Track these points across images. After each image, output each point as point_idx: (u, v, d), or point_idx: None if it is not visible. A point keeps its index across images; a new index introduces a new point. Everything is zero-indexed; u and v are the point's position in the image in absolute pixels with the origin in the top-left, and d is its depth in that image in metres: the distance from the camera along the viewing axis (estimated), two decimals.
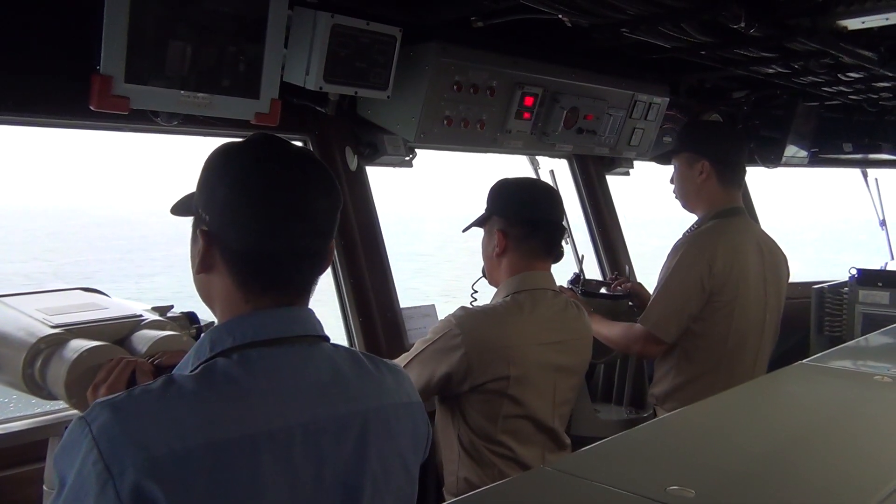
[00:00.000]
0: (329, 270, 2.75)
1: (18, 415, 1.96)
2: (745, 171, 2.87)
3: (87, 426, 1.00)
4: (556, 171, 3.72)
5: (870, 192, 5.15)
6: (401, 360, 2.07)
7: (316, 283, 1.24)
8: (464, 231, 2.32)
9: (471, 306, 2.15)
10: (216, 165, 1.21)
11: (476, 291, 2.43)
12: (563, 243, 2.23)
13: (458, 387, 2.02)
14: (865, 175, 5.14)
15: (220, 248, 1.17)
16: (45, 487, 1.47)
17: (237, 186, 1.16)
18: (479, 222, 2.24)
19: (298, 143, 2.69)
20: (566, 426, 2.25)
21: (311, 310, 1.22)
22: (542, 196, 2.18)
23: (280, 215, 1.15)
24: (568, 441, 2.20)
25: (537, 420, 2.09)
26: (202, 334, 1.25)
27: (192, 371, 1.10)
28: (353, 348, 1.28)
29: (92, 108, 1.85)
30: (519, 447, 2.07)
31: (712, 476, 0.92)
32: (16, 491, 1.83)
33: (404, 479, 1.23)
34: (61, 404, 1.78)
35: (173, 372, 1.13)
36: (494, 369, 2.00)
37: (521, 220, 2.14)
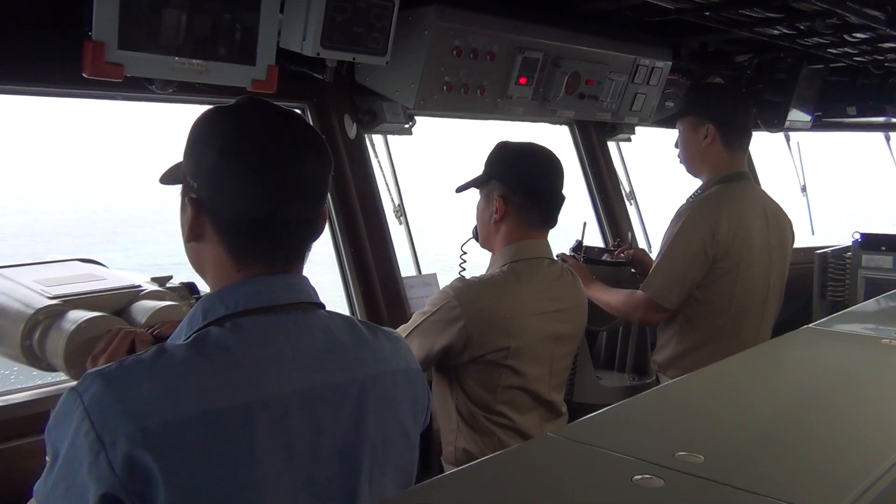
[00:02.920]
0: (329, 240, 2.77)
1: (19, 387, 1.96)
2: (750, 135, 2.83)
3: (79, 397, 1.00)
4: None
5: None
6: (400, 332, 2.06)
7: (309, 250, 1.21)
8: (458, 191, 2.27)
9: (468, 277, 2.13)
10: (203, 131, 1.18)
11: (465, 253, 2.40)
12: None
13: (457, 358, 2.01)
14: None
15: (209, 215, 1.15)
16: (47, 459, 1.46)
17: (224, 152, 1.13)
18: (476, 183, 2.19)
19: (296, 111, 2.66)
20: (563, 394, 2.25)
21: (305, 277, 1.20)
22: (545, 164, 2.13)
23: (269, 180, 1.13)
24: (564, 409, 2.20)
25: (535, 391, 2.09)
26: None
27: (184, 340, 1.09)
28: (349, 315, 1.27)
29: (85, 75, 1.82)
30: (518, 416, 2.07)
31: (721, 441, 0.91)
32: (17, 462, 1.83)
33: (404, 446, 1.22)
34: (61, 376, 1.77)
35: (166, 342, 1.11)
36: (494, 341, 1.99)
37: (523, 189, 2.09)
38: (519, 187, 2.10)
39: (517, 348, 2.01)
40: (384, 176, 2.92)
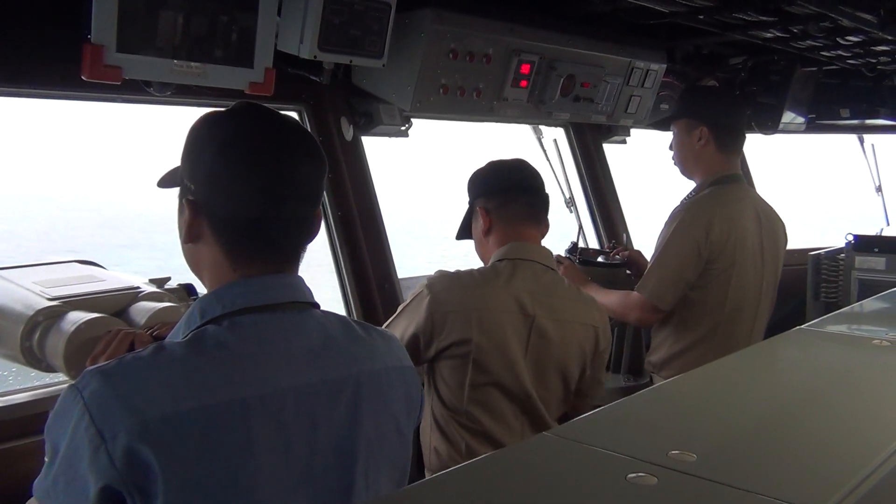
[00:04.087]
0: (326, 241, 2.78)
1: (18, 388, 1.97)
2: (744, 138, 2.86)
3: (79, 393, 1.01)
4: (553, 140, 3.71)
5: (866, 158, 5.13)
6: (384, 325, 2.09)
7: (304, 250, 1.24)
8: (458, 238, 2.31)
9: (448, 270, 2.13)
10: (200, 134, 1.21)
11: None
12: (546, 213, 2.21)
13: (426, 351, 2.01)
14: (862, 141, 5.12)
15: (206, 216, 1.17)
16: (46, 459, 1.47)
17: (221, 154, 1.16)
18: (466, 220, 2.25)
19: (293, 114, 2.67)
20: (559, 410, 2.15)
21: (300, 277, 1.23)
22: (515, 166, 2.20)
23: (265, 181, 1.15)
24: (551, 423, 2.10)
25: (506, 388, 2.03)
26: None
27: (182, 338, 1.11)
28: (344, 315, 1.29)
29: (84, 77, 1.83)
30: (489, 421, 2.03)
31: (713, 440, 0.92)
32: (16, 463, 1.84)
33: (398, 442, 1.24)
34: (60, 377, 1.79)
35: (164, 340, 1.13)
36: (456, 331, 1.98)
37: (496, 190, 2.16)
38: (492, 190, 2.16)
39: (480, 344, 1.98)
40: None
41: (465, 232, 2.28)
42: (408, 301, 2.08)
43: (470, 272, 2.10)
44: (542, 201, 2.18)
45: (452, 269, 2.12)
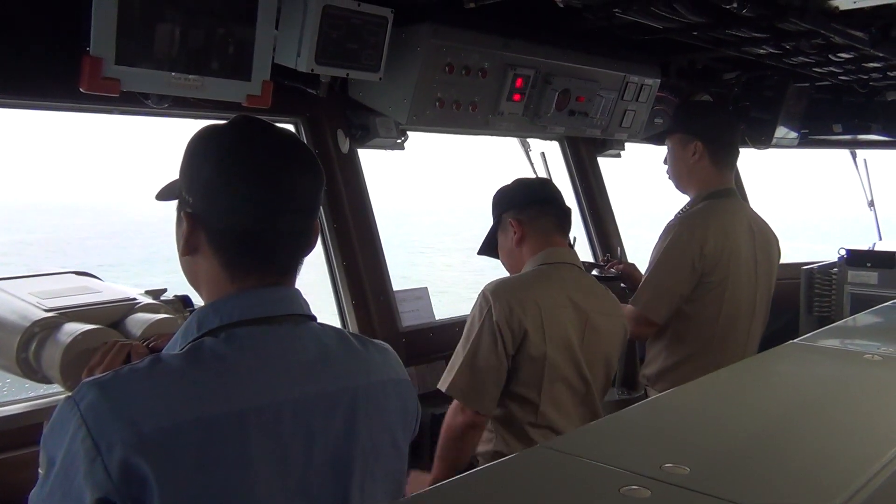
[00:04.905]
0: (322, 253, 2.78)
1: (12, 399, 1.96)
2: (737, 153, 2.88)
3: (75, 405, 1.01)
4: (548, 154, 3.72)
5: (859, 173, 5.16)
6: (453, 363, 2.15)
7: (301, 263, 1.24)
8: (480, 254, 2.45)
9: (499, 278, 2.24)
10: (198, 147, 1.21)
11: None
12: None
13: (506, 356, 2.09)
14: (854, 156, 5.15)
15: (204, 229, 1.17)
16: (39, 471, 1.47)
17: (220, 167, 1.17)
18: (491, 236, 2.39)
19: (290, 126, 2.68)
20: (602, 401, 2.29)
21: (297, 289, 1.23)
22: (538, 182, 2.42)
23: (263, 194, 1.16)
24: (601, 413, 2.24)
25: (570, 382, 2.16)
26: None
27: (179, 350, 1.11)
28: (340, 328, 1.29)
29: (82, 90, 1.84)
30: (556, 415, 2.14)
31: (706, 453, 0.93)
32: (10, 474, 1.83)
33: (394, 455, 1.24)
34: (54, 388, 1.78)
35: (161, 352, 1.13)
36: (530, 331, 2.08)
37: (530, 202, 2.30)
38: (526, 202, 2.30)
39: (552, 339, 2.10)
40: None
41: (487, 248, 2.42)
42: (475, 315, 2.14)
43: (521, 276, 2.23)
44: (566, 214, 2.33)
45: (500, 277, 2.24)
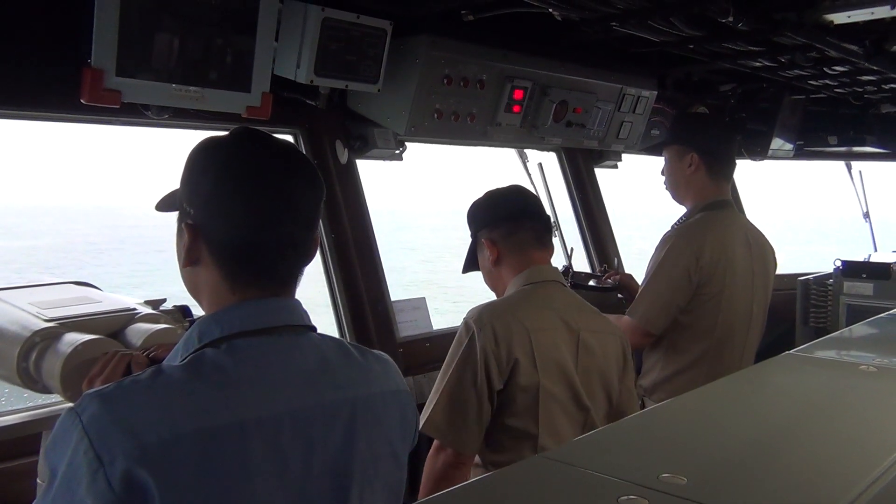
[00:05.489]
0: (320, 264, 2.79)
1: (11, 408, 1.96)
2: (734, 164, 2.89)
3: (78, 417, 1.01)
4: (545, 165, 3.74)
5: (854, 184, 5.19)
6: (431, 398, 1.99)
7: (302, 274, 1.25)
8: (464, 272, 2.28)
9: (482, 303, 2.07)
10: (199, 159, 1.22)
11: None
12: (553, 237, 2.20)
13: (496, 384, 1.94)
14: (850, 168, 5.18)
15: (205, 240, 1.18)
16: (38, 481, 1.47)
17: (221, 179, 1.18)
18: (471, 253, 2.22)
19: (289, 137, 2.69)
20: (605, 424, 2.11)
21: (297, 300, 1.23)
22: (513, 194, 2.18)
23: (264, 206, 1.17)
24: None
25: (566, 406, 2.00)
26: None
27: (180, 361, 1.11)
28: (340, 338, 1.29)
29: (83, 101, 1.85)
30: (553, 443, 1.97)
31: (703, 464, 0.94)
32: (9, 485, 1.83)
33: (393, 466, 1.25)
34: (54, 397, 1.78)
35: (162, 363, 1.14)
36: (520, 357, 1.93)
37: (501, 218, 2.13)
38: (496, 219, 2.13)
39: (544, 365, 1.95)
40: None
41: (470, 265, 2.25)
42: (458, 343, 1.99)
43: (507, 299, 2.07)
44: (545, 224, 2.16)
45: (483, 302, 2.08)
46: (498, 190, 2.21)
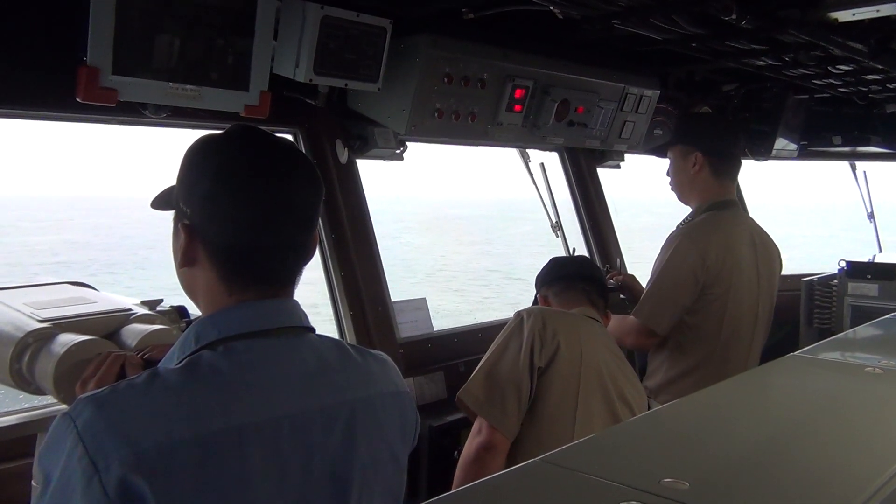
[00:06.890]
0: (320, 264, 2.77)
1: (5, 410, 1.94)
2: (739, 164, 2.88)
3: (72, 422, 0.99)
4: (547, 165, 3.72)
5: (858, 185, 5.16)
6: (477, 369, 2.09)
7: (300, 275, 1.23)
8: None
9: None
10: (196, 158, 1.20)
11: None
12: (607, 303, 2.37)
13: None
14: (854, 168, 5.15)
15: (202, 241, 1.16)
16: (33, 483, 1.45)
17: (218, 179, 1.15)
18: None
19: (288, 136, 2.68)
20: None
21: (296, 301, 1.21)
22: (570, 259, 2.54)
23: (263, 207, 1.14)
24: None
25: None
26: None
27: (177, 364, 1.09)
28: (339, 339, 1.27)
29: (79, 100, 1.83)
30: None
31: (706, 468, 0.92)
32: (3, 487, 1.82)
33: (393, 468, 1.23)
34: (49, 399, 1.76)
35: (158, 366, 1.12)
36: (558, 338, 2.04)
37: (555, 278, 2.36)
38: (553, 279, 2.37)
39: (580, 354, 2.06)
40: None
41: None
42: (506, 328, 2.11)
43: (567, 312, 2.23)
44: (598, 288, 2.33)
45: None
46: (561, 257, 2.57)
